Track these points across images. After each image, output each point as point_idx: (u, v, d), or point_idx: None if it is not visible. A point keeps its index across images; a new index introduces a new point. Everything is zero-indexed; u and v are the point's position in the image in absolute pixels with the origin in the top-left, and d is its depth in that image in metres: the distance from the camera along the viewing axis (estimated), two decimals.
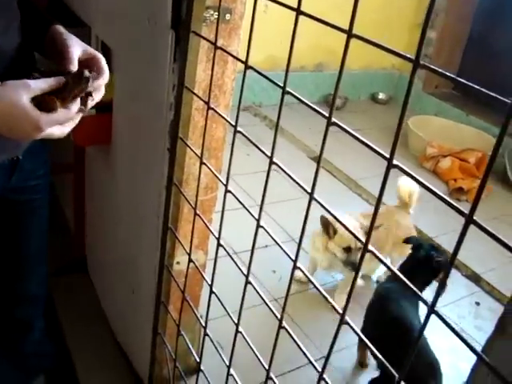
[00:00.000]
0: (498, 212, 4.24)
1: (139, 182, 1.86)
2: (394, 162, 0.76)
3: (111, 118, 1.92)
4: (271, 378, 1.12)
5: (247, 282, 1.14)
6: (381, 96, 6.04)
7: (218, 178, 1.26)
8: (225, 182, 1.20)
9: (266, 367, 1.13)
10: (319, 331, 2.66)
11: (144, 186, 1.82)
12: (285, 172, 0.99)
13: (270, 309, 1.08)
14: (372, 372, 2.47)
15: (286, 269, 2.96)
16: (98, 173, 2.27)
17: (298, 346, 1.02)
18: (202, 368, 1.49)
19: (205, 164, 1.31)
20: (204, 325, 1.39)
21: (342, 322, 0.86)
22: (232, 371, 1.30)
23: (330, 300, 0.89)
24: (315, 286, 0.95)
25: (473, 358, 0.71)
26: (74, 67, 1.05)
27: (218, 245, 1.24)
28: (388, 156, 0.76)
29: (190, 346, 1.57)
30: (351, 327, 0.88)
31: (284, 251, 1.01)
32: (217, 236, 1.25)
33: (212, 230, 1.33)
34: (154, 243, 1.72)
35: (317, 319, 2.71)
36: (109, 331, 2.36)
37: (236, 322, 1.22)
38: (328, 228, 2.68)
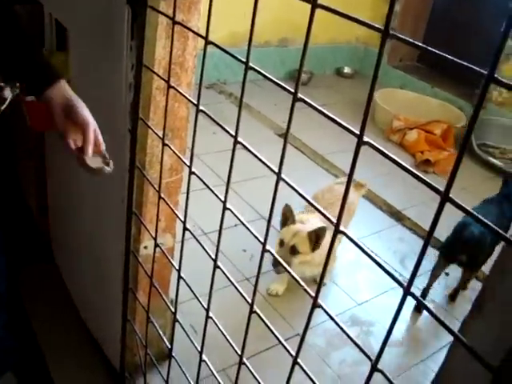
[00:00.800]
0: (466, 183, 4.28)
1: None
2: (365, 138, 0.73)
3: None
4: (244, 363, 1.09)
5: (215, 267, 1.11)
6: (346, 70, 6.01)
7: (181, 159, 1.22)
8: (189, 163, 1.15)
9: (239, 352, 1.10)
10: (292, 309, 2.66)
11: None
12: (250, 152, 0.95)
13: (240, 294, 1.05)
14: (342, 349, 2.48)
15: (256, 247, 2.92)
16: (58, 158, 2.19)
17: (270, 330, 1.00)
18: (173, 354, 1.46)
19: (167, 146, 1.26)
20: (173, 310, 1.36)
21: (315, 306, 0.84)
22: (204, 357, 1.27)
23: (303, 284, 0.86)
24: (287, 270, 0.92)
25: None
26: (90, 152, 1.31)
27: (184, 229, 1.20)
28: (358, 133, 0.73)
29: (161, 333, 1.54)
30: (324, 311, 0.85)
31: (253, 234, 0.98)
32: (182, 220, 1.21)
33: (178, 213, 1.29)
34: (119, 228, 1.67)
35: (289, 297, 2.71)
36: (79, 320, 2.31)
37: (206, 307, 1.19)
38: (287, 217, 2.58)
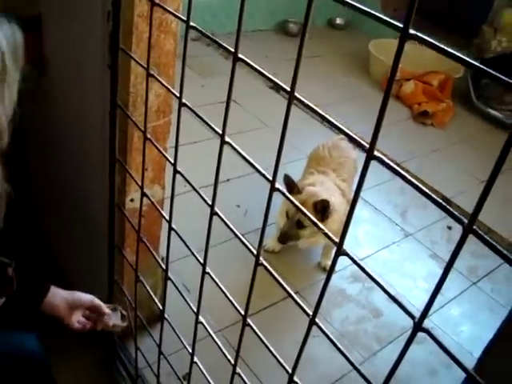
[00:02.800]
0: (464, 135, 4.14)
1: (79, 109, 1.61)
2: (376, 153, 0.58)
3: (40, 37, 1.63)
4: (248, 325, 0.94)
5: (212, 214, 0.94)
6: (338, 21, 5.76)
7: (170, 91, 1.03)
8: (178, 95, 0.97)
9: (242, 311, 0.94)
10: (290, 266, 2.52)
11: (85, 113, 1.57)
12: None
13: (244, 245, 0.89)
14: (344, 307, 2.36)
15: (250, 203, 2.79)
16: (33, 102, 1.98)
17: (280, 283, 0.84)
18: (166, 316, 1.31)
19: (153, 76, 1.07)
20: (165, 267, 1.19)
21: (339, 253, 0.68)
22: (201, 318, 1.12)
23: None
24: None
25: None
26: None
27: (175, 172, 1.03)
28: (368, 146, 0.59)
29: (151, 293, 1.38)
30: (351, 258, 0.70)
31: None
32: (172, 161, 1.03)
33: (167, 155, 1.11)
34: (101, 178, 1.50)
35: (285, 253, 2.56)
36: (63, 279, 2.15)
37: (202, 261, 1.02)
38: (290, 186, 2.29)
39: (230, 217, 0.91)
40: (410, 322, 2.33)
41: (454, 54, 0.55)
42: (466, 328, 2.38)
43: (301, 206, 0.75)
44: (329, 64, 4.75)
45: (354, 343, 2.18)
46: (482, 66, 0.52)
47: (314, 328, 0.84)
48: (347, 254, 0.70)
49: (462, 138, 4.08)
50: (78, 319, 1.40)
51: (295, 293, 2.41)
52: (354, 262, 0.70)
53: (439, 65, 4.61)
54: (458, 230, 2.98)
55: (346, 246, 0.73)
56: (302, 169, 2.72)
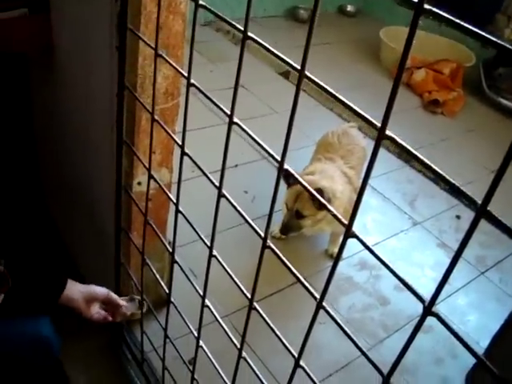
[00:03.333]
0: (474, 124, 4.09)
1: (87, 91, 1.59)
2: (387, 132, 0.59)
3: (48, 18, 1.62)
4: (254, 308, 0.93)
5: (220, 196, 0.93)
6: (349, 8, 5.70)
7: (179, 71, 1.02)
8: (186, 75, 0.95)
9: (249, 295, 0.93)
10: (297, 253, 2.51)
11: (92, 95, 1.56)
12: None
13: (253, 229, 0.87)
14: (351, 294, 2.35)
15: (258, 189, 2.77)
16: (42, 83, 1.98)
17: (287, 267, 0.83)
18: (172, 300, 1.30)
19: (161, 56, 1.05)
20: (171, 251, 1.18)
21: (349, 235, 0.66)
22: (207, 302, 1.11)
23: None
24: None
25: None
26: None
27: (183, 154, 1.01)
28: (379, 125, 0.57)
29: (158, 276, 1.37)
30: (360, 242, 0.68)
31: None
32: (180, 143, 1.02)
33: (175, 138, 1.10)
34: (109, 161, 1.49)
35: (293, 240, 2.55)
36: (70, 262, 2.15)
37: (209, 244, 1.01)
38: (287, 177, 2.18)
39: (238, 202, 0.90)
40: (416, 311, 2.32)
41: (473, 31, 0.53)
42: (473, 317, 2.36)
43: (309, 187, 0.73)
44: (339, 51, 4.71)
45: (361, 331, 2.17)
46: (507, 45, 0.50)
47: (320, 315, 0.83)
48: (356, 237, 0.68)
49: (472, 128, 4.04)
50: (96, 311, 1.45)
51: (296, 282, 2.38)
52: (363, 244, 0.68)
53: (451, 53, 4.56)
54: (466, 219, 2.96)
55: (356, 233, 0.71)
56: (310, 156, 2.70)
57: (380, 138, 0.60)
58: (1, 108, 2.18)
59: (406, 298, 2.39)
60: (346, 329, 0.79)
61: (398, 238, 2.72)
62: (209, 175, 0.97)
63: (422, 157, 0.59)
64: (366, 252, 2.33)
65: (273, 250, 0.84)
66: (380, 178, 3.10)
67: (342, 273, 2.41)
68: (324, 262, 2.49)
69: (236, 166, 2.89)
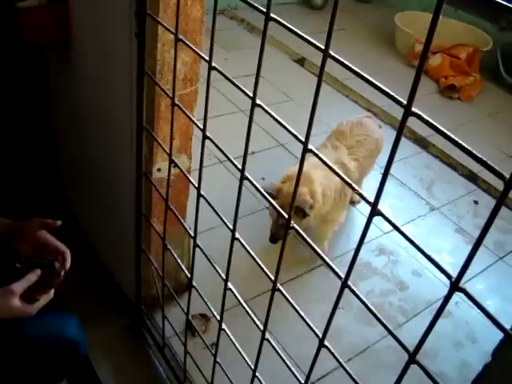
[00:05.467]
0: (491, 109, 4.05)
1: (106, 78, 1.60)
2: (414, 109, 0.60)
3: (66, 6, 1.62)
4: (278, 289, 0.94)
5: (243, 179, 0.93)
6: None
7: (199, 55, 1.02)
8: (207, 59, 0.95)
9: (272, 277, 0.94)
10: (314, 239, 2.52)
11: (111, 82, 1.57)
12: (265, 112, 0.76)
13: (273, 206, 0.88)
14: (370, 279, 2.35)
15: (275, 175, 2.77)
16: (59, 73, 1.99)
17: (312, 248, 0.83)
18: (194, 284, 1.31)
19: (181, 41, 1.06)
20: (193, 235, 1.19)
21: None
22: (230, 285, 1.12)
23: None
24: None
25: None
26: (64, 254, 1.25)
27: (204, 137, 1.02)
28: (405, 102, 0.60)
29: (179, 261, 1.38)
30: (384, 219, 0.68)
31: None
32: (201, 127, 1.03)
33: (195, 120, 1.10)
34: (128, 148, 1.50)
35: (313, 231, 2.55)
36: (89, 249, 2.18)
37: (232, 227, 1.02)
38: (270, 190, 2.09)
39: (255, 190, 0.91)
40: (435, 296, 2.32)
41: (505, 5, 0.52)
42: (492, 302, 2.36)
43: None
44: (354, 37, 4.67)
45: (379, 315, 2.17)
46: None
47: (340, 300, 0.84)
48: (382, 214, 0.68)
49: (489, 113, 4.00)
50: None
51: (319, 265, 2.39)
52: (389, 221, 0.68)
53: (467, 38, 4.50)
54: (484, 204, 2.94)
55: (374, 219, 0.71)
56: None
57: (406, 114, 0.60)
58: (18, 100, 2.20)
59: (425, 282, 2.38)
60: (370, 306, 0.79)
61: (415, 223, 2.71)
62: (232, 159, 0.98)
63: (449, 133, 0.59)
64: (384, 237, 2.35)
65: (297, 230, 0.85)
66: (397, 164, 3.08)
67: (361, 258, 2.41)
68: (344, 246, 2.49)
69: (253, 153, 2.89)
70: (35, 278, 1.18)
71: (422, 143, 3.38)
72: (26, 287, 1.17)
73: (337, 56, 0.71)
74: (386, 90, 0.64)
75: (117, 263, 2.02)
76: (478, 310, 0.64)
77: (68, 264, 1.26)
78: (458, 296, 2.28)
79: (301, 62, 4.10)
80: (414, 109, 0.60)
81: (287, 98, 3.56)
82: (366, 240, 2.17)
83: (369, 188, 2.79)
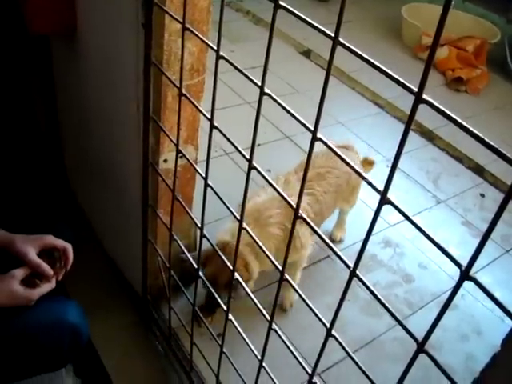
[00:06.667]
0: (498, 102, 4.02)
1: (112, 69, 1.60)
2: (424, 96, 0.60)
3: None
4: (286, 279, 0.94)
5: (250, 168, 0.93)
6: None
7: (207, 44, 1.02)
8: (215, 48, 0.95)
9: (279, 267, 0.94)
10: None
11: (118, 72, 1.57)
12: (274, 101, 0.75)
13: (281, 195, 0.88)
14: (375, 271, 2.35)
15: (281, 168, 2.77)
16: (65, 64, 1.99)
17: (318, 234, 0.83)
18: (201, 274, 1.31)
19: (189, 30, 1.05)
20: (200, 226, 1.19)
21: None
22: (237, 275, 1.12)
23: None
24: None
25: None
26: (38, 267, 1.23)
27: (212, 127, 1.02)
28: (416, 90, 0.59)
29: (186, 252, 1.39)
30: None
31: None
32: (209, 117, 1.02)
33: (202, 110, 1.10)
34: (135, 138, 1.50)
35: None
36: (97, 243, 2.19)
37: (238, 217, 1.02)
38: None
39: (262, 182, 0.90)
40: (440, 289, 2.32)
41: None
42: (498, 295, 2.30)
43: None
44: (360, 29, 4.64)
45: (387, 305, 2.17)
46: None
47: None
48: (391, 203, 0.68)
49: (496, 106, 3.97)
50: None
51: (327, 256, 2.38)
52: (398, 209, 0.68)
53: (475, 30, 4.47)
54: (490, 197, 2.93)
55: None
56: (331, 136, 2.67)
57: (417, 101, 0.60)
58: (23, 92, 2.21)
59: (430, 275, 2.38)
60: (380, 296, 0.79)
61: (421, 216, 2.71)
62: (239, 148, 0.97)
63: (460, 120, 0.59)
64: (390, 230, 2.35)
65: (305, 219, 0.84)
66: (403, 157, 3.00)
67: (367, 250, 2.37)
68: (348, 238, 2.49)
69: (259, 145, 2.89)
70: (36, 265, 1.22)
71: (429, 136, 3.37)
72: (27, 273, 1.22)
73: (346, 43, 0.70)
74: (397, 77, 0.64)
75: (123, 254, 2.03)
76: (484, 303, 0.64)
77: (70, 257, 1.32)
78: (463, 289, 2.28)
79: (307, 54, 4.08)
80: (424, 96, 0.60)
81: (293, 90, 3.55)
82: (372, 232, 2.16)
83: (376, 180, 2.79)
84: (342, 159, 0.74)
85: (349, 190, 2.22)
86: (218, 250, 1.20)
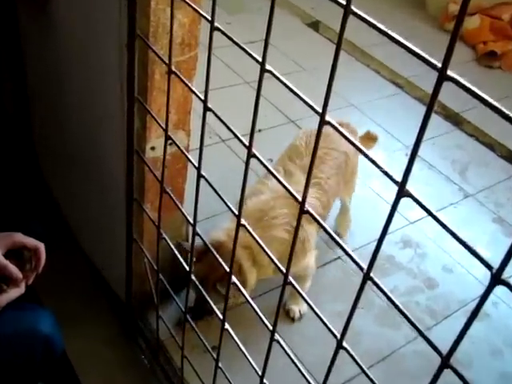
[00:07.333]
0: None
1: (91, 42, 1.60)
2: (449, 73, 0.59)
3: None
4: (290, 283, 0.94)
5: (250, 156, 0.93)
6: None
7: (199, 13, 1.02)
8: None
9: (283, 270, 0.95)
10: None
11: (98, 46, 1.57)
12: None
13: (285, 187, 0.88)
14: (393, 275, 2.36)
15: None
16: (37, 37, 1.99)
17: (329, 233, 0.84)
18: (193, 278, 1.32)
19: None
20: (193, 222, 1.20)
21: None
22: (234, 279, 1.13)
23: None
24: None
25: None
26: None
27: (206, 109, 1.02)
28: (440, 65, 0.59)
29: (176, 252, 1.39)
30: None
31: None
32: (202, 98, 1.03)
33: (195, 91, 1.10)
34: (118, 123, 1.50)
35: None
36: (72, 239, 2.19)
37: (237, 213, 1.03)
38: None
39: (263, 170, 0.91)
40: (469, 295, 2.32)
41: None
42: None
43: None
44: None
45: (408, 313, 2.18)
46: None
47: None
48: (410, 195, 0.69)
49: None
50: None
51: (337, 258, 2.39)
52: (419, 203, 0.69)
53: None
54: None
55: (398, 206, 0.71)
56: (343, 119, 2.66)
57: (441, 78, 0.60)
58: None
59: (457, 280, 2.39)
60: (399, 304, 0.79)
61: (446, 212, 2.72)
62: (238, 134, 0.98)
63: (491, 100, 0.59)
64: (410, 227, 2.35)
65: (311, 214, 0.85)
66: (425, 144, 3.03)
67: (383, 251, 2.39)
68: (362, 237, 2.50)
69: (259, 130, 2.89)
70: (2, 266, 1.18)
71: (455, 120, 3.37)
72: None
73: (360, 12, 0.70)
74: (418, 51, 0.64)
75: (104, 256, 2.04)
76: None
77: (43, 258, 1.28)
78: (495, 295, 2.29)
79: (315, 26, 4.08)
80: (449, 72, 0.60)
81: (298, 68, 3.55)
82: (388, 230, 2.18)
83: (393, 171, 2.79)
84: (361, 150, 0.74)
85: (348, 172, 2.24)
86: (211, 246, 1.21)
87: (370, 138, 2.40)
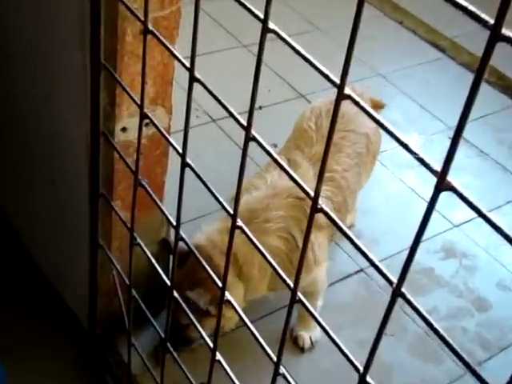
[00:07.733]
0: None
1: None
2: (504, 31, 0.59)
3: None
4: (299, 301, 0.95)
5: (248, 139, 0.94)
6: None
7: None
8: None
9: (291, 284, 0.96)
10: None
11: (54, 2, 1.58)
12: None
13: (300, 186, 0.89)
14: (433, 293, 2.36)
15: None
16: None
17: (356, 244, 0.84)
18: (175, 295, 1.33)
19: None
20: (175, 223, 1.21)
21: None
22: (228, 295, 1.14)
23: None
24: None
25: None
26: None
27: (192, 80, 1.03)
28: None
29: (153, 260, 1.40)
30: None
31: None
32: (188, 66, 1.03)
33: (178, 55, 1.11)
34: (80, 97, 1.51)
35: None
36: (21, 249, 2.20)
37: (232, 211, 1.03)
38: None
39: (265, 158, 0.91)
40: None
41: None
42: None
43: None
44: None
45: (454, 344, 2.19)
46: None
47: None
48: (454, 189, 0.69)
49: None
50: None
51: (360, 270, 2.40)
52: (465, 200, 0.69)
53: None
54: None
55: (439, 205, 0.71)
56: (368, 91, 2.67)
57: (494, 38, 0.60)
58: None
59: None
60: (441, 330, 0.80)
61: (500, 211, 2.73)
62: (234, 112, 0.98)
63: None
64: (454, 232, 2.37)
65: (326, 213, 0.85)
66: (473, 124, 3.07)
67: (418, 262, 2.43)
68: (391, 245, 2.51)
69: (260, 108, 2.89)
70: None
71: None
72: None
73: None
74: (466, 4, 0.64)
75: (61, 268, 2.05)
76: None
77: None
78: None
79: None
80: (505, 31, 0.60)
81: (311, 27, 3.57)
82: (426, 236, 2.21)
83: (432, 159, 2.80)
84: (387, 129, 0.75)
85: (369, 160, 2.23)
86: (196, 252, 1.22)
87: (375, 107, 2.31)
